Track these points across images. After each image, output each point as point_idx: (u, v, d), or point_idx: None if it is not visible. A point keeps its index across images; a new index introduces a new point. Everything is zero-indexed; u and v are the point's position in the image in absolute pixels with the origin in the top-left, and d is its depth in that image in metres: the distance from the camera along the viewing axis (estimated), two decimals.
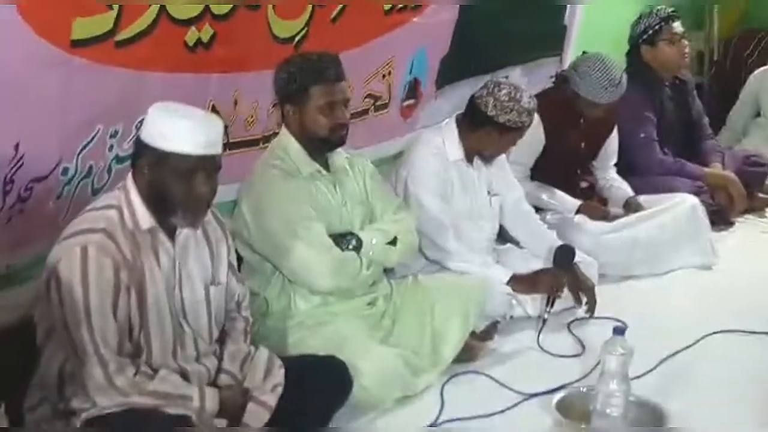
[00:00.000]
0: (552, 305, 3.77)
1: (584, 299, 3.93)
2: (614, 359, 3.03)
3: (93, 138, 2.99)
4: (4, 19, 2.62)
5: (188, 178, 2.60)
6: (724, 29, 7.18)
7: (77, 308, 2.54)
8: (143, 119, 2.65)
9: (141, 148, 2.63)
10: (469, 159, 3.94)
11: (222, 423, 2.73)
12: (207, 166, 2.63)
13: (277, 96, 3.35)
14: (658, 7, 5.24)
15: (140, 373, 2.63)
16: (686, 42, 5.21)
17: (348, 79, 3.36)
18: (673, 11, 5.20)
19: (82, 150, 3.03)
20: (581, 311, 3.96)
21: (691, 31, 5.92)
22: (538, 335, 3.76)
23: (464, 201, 3.94)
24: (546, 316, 3.76)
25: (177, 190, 2.61)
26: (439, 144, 3.88)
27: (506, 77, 5.52)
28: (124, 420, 2.59)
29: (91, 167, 3.07)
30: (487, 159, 3.95)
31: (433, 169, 3.83)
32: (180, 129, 2.57)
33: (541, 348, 3.73)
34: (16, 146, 2.80)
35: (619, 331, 3.07)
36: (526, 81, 5.71)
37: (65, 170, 3.03)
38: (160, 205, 2.65)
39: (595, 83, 4.42)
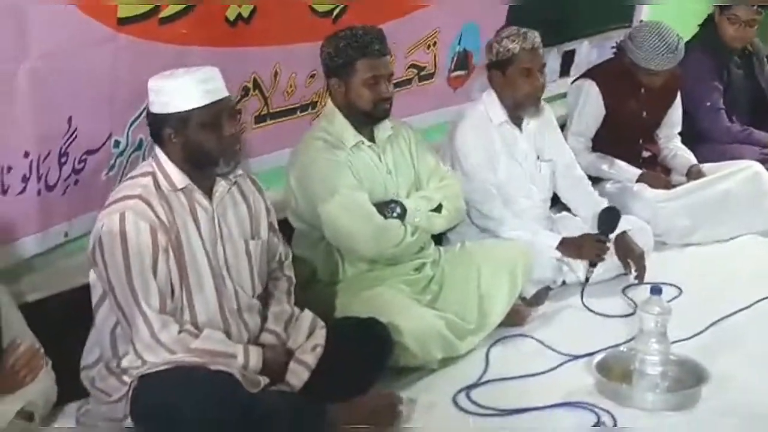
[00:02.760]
0: (594, 267, 3.82)
1: (633, 266, 3.95)
2: (652, 318, 3.08)
3: (142, 112, 3.12)
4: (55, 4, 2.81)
5: (216, 126, 2.76)
6: None
7: (119, 271, 2.71)
8: None
9: (159, 121, 2.78)
10: (515, 121, 3.97)
11: (264, 380, 2.85)
12: (226, 109, 2.79)
13: (323, 69, 3.45)
14: None
15: (184, 330, 2.78)
16: (751, 28, 5.02)
17: (390, 49, 3.45)
18: None
19: (132, 124, 3.20)
20: (631, 278, 3.98)
21: None
22: (582, 295, 3.82)
23: (511, 166, 3.97)
24: (589, 275, 3.82)
25: (211, 141, 2.76)
26: (481, 112, 3.93)
27: (573, 50, 5.58)
28: (172, 375, 2.73)
29: (141, 140, 3.23)
30: (527, 108, 3.91)
31: (476, 139, 3.89)
32: (188, 86, 2.73)
33: (586, 307, 3.78)
34: (69, 120, 2.99)
35: (656, 290, 3.11)
36: (594, 54, 5.74)
37: (117, 143, 3.21)
38: (200, 162, 2.80)
39: (650, 50, 4.41)
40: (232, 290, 2.93)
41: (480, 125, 3.92)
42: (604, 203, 4.09)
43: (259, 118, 3.82)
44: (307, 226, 3.44)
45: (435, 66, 4.63)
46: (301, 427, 2.81)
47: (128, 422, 2.79)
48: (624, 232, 3.97)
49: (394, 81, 3.60)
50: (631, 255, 3.97)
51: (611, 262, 3.95)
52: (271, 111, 3.76)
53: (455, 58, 4.74)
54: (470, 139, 3.89)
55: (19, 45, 2.75)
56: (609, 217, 3.92)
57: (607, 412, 3.00)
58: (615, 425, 2.94)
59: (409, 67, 4.47)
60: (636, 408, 3.03)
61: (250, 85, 3.69)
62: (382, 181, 3.47)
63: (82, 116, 3.01)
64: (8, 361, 2.49)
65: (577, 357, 3.38)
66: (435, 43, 4.55)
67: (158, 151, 2.83)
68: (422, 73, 4.58)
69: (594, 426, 2.93)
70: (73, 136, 3.01)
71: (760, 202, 4.58)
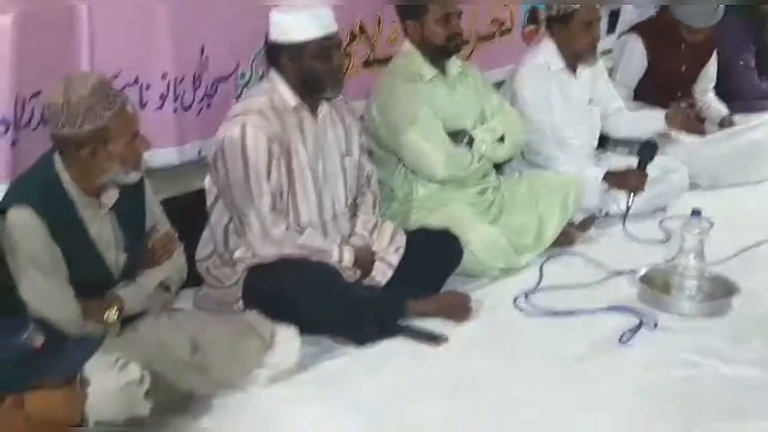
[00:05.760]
0: (634, 197, 4.28)
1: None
2: (692, 237, 3.52)
3: (262, 48, 3.44)
4: None
5: (327, 57, 3.21)
6: None
7: (239, 174, 3.17)
8: None
9: (277, 48, 3.23)
10: (571, 68, 4.37)
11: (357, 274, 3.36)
12: (335, 42, 3.25)
13: (399, 13, 3.89)
14: None
15: (291, 228, 3.24)
16: None
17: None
18: None
19: (255, 57, 3.61)
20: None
21: None
22: (624, 220, 4.28)
23: (566, 109, 4.36)
24: (630, 203, 4.27)
25: (322, 69, 3.21)
26: (539, 61, 4.33)
27: (619, 9, 5.94)
28: (281, 264, 3.21)
29: (262, 73, 3.61)
30: (585, 58, 4.32)
31: (534, 84, 4.28)
32: (306, 20, 3.18)
33: (627, 232, 4.24)
34: (202, 49, 3.43)
35: (697, 213, 3.53)
36: (637, 13, 6.10)
37: (242, 74, 3.64)
38: (310, 86, 3.25)
39: (692, 8, 4.82)
40: (329, 198, 3.39)
41: (539, 71, 4.31)
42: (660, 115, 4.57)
43: (367, 63, 4.21)
44: (386, 153, 3.88)
45: (512, 21, 4.98)
46: (385, 315, 3.30)
47: (239, 305, 3.26)
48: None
49: (481, 36, 3.96)
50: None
51: (649, 195, 4.38)
52: (376, 58, 4.18)
53: (527, 14, 5.08)
54: (528, 84, 4.29)
55: None
56: (648, 150, 4.36)
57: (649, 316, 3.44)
58: (656, 326, 3.38)
59: (492, 22, 4.84)
60: (674, 314, 3.47)
61: (357, 32, 4.10)
62: (453, 112, 3.89)
63: (213, 46, 3.43)
64: (149, 243, 2.93)
65: (620, 273, 3.82)
66: None
67: (273, 74, 3.28)
68: (503, 28, 4.94)
69: (638, 326, 3.36)
70: (206, 63, 3.43)
71: None
